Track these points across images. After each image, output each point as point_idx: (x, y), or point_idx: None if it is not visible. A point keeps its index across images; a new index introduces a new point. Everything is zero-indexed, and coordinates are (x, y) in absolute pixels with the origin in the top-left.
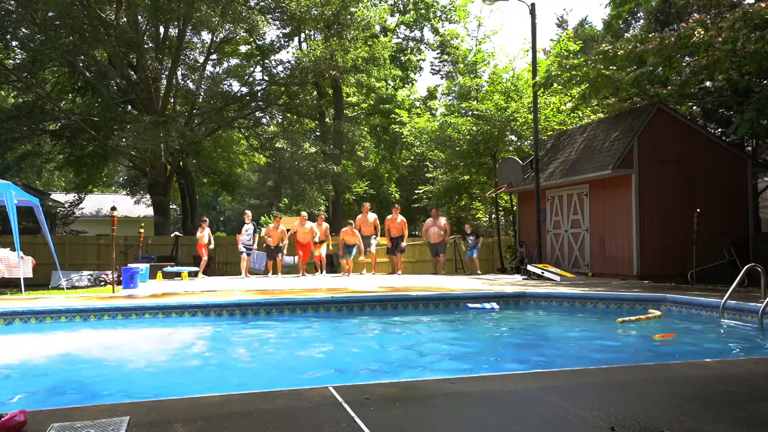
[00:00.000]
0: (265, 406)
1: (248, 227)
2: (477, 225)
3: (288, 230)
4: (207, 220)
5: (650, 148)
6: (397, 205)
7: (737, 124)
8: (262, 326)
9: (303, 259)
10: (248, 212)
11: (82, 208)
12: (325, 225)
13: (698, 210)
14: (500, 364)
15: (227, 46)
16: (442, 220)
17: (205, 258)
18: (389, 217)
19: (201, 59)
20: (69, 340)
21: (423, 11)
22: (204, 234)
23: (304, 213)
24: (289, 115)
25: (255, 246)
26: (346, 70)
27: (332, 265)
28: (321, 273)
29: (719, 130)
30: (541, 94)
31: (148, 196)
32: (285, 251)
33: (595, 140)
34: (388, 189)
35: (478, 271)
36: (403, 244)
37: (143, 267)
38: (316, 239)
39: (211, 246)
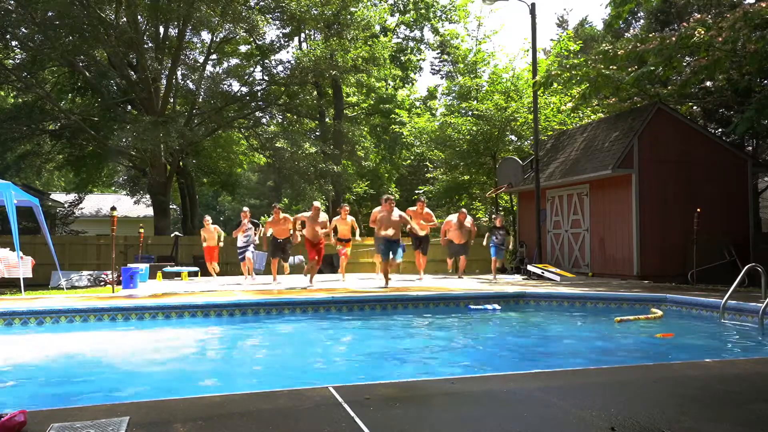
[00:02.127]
0: (265, 406)
1: (248, 226)
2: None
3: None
4: (210, 218)
5: (650, 148)
6: (423, 198)
7: (737, 123)
8: (262, 326)
9: (312, 261)
10: (246, 209)
11: (82, 208)
12: (351, 218)
13: (698, 210)
14: (500, 364)
15: (227, 46)
16: (468, 221)
17: (215, 264)
18: (413, 209)
19: (201, 59)
20: (69, 340)
21: (423, 11)
22: (213, 233)
23: (316, 203)
24: (289, 115)
25: (254, 243)
26: (346, 70)
27: (332, 266)
28: (342, 276)
29: (719, 130)
30: (541, 94)
31: (148, 196)
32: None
33: (595, 140)
34: (388, 189)
35: (495, 278)
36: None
37: (143, 267)
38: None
39: (221, 244)
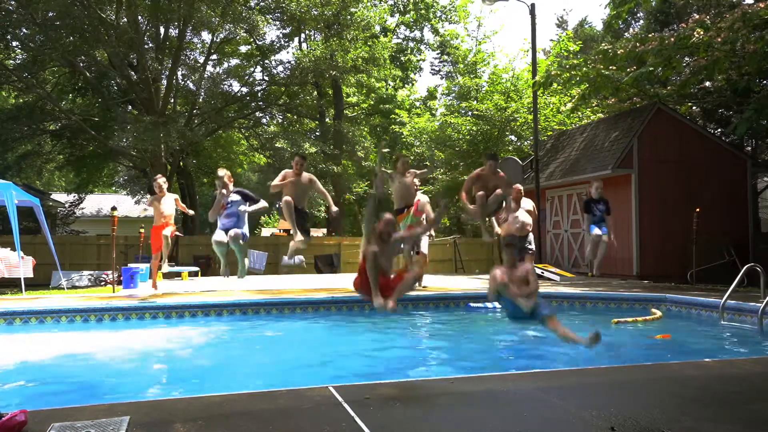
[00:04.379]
0: (265, 406)
1: (230, 198)
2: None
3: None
4: (164, 179)
5: (650, 148)
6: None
7: (736, 123)
8: (262, 326)
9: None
10: (224, 172)
11: (82, 208)
12: (425, 198)
13: (698, 210)
14: (500, 364)
15: (227, 47)
16: (530, 203)
17: (163, 252)
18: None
19: (201, 59)
20: (69, 340)
21: (423, 11)
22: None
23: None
24: (289, 115)
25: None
26: (346, 70)
27: (332, 266)
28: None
29: (719, 130)
30: (541, 94)
31: (148, 196)
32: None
33: (595, 140)
34: (388, 189)
35: (592, 273)
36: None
37: (143, 267)
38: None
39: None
